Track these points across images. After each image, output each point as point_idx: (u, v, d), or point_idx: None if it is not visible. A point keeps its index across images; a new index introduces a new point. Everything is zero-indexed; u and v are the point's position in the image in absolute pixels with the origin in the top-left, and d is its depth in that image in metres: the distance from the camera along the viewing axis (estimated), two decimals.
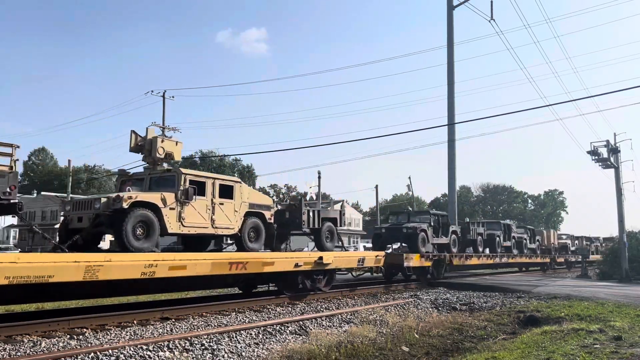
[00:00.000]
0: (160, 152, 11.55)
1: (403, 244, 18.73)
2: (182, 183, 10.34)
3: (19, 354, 6.97)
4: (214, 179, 11.31)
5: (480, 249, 22.42)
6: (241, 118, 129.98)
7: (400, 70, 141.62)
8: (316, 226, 14.08)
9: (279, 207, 14.00)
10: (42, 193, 64.35)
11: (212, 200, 11.02)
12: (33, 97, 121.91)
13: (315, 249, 14.86)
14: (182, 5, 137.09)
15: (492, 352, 7.87)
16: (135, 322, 9.38)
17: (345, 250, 17.18)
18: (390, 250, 18.36)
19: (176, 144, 12.25)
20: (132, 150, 11.66)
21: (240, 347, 7.96)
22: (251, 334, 8.68)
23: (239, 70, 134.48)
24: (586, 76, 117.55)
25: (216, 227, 11.10)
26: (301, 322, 9.84)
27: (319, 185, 44.80)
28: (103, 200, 9.46)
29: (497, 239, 23.81)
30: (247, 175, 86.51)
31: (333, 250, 14.58)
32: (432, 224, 19.14)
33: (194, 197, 10.42)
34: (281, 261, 12.16)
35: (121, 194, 9.43)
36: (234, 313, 10.77)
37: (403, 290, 16.56)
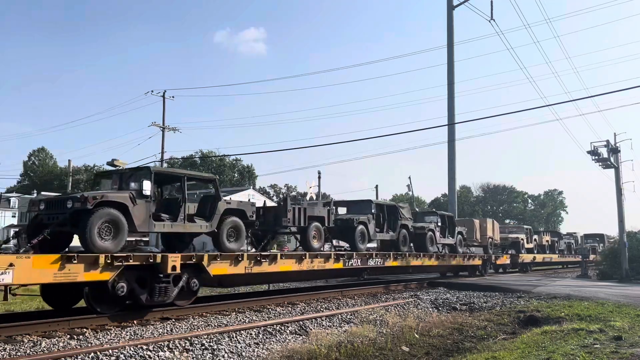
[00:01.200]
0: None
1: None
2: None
3: (19, 354, 6.97)
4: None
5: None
6: (241, 118, 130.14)
7: (400, 70, 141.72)
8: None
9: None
10: (42, 193, 64.39)
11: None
12: (33, 97, 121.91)
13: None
14: (180, 5, 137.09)
15: (492, 352, 7.87)
16: (135, 322, 9.38)
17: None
18: None
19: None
20: None
21: (240, 347, 7.96)
22: (251, 334, 8.68)
23: (237, 70, 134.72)
24: (586, 76, 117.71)
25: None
26: (301, 322, 9.84)
27: (319, 185, 44.82)
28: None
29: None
30: (247, 175, 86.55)
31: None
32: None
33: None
34: None
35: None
36: (234, 313, 10.77)
37: (403, 290, 16.56)
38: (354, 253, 14.92)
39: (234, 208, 11.52)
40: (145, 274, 9.52)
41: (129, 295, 9.32)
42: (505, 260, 26.14)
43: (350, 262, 14.65)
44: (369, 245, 16.39)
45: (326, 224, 14.08)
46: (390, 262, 16.30)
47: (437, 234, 19.03)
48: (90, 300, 9.25)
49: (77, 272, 8.42)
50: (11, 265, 7.64)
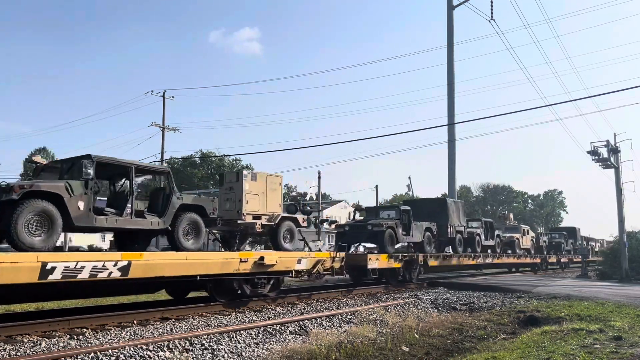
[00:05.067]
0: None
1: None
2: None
3: (19, 354, 6.97)
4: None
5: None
6: (241, 118, 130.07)
7: (400, 70, 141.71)
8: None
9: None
10: None
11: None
12: (33, 97, 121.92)
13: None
14: (172, 5, 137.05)
15: (492, 352, 7.87)
16: (135, 322, 9.38)
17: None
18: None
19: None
20: None
21: (240, 347, 7.96)
22: (251, 334, 8.68)
23: (233, 70, 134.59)
24: (586, 76, 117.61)
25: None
26: (301, 322, 9.84)
27: (319, 185, 44.80)
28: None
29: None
30: None
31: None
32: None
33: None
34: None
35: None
36: (234, 313, 10.77)
37: (403, 290, 16.56)
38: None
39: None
40: None
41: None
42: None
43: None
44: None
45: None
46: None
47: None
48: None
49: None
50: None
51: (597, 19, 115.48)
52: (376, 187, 54.46)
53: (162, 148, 39.66)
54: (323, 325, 9.90)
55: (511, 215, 36.52)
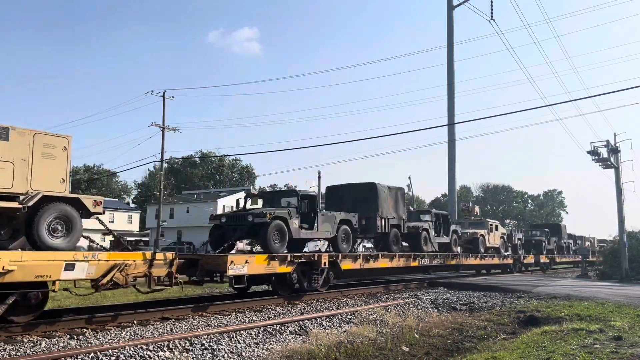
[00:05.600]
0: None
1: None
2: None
3: (19, 354, 6.97)
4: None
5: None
6: (241, 118, 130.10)
7: (400, 70, 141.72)
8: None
9: None
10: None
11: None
12: (33, 97, 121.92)
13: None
14: (170, 5, 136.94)
15: (492, 352, 7.87)
16: (135, 322, 9.38)
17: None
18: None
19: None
20: None
21: (240, 347, 7.96)
22: (251, 334, 8.68)
23: (233, 69, 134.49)
24: (586, 76, 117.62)
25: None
26: (301, 322, 9.84)
27: (319, 185, 44.76)
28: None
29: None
30: (247, 176, 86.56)
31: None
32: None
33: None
34: None
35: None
36: (234, 313, 10.77)
37: (403, 290, 16.56)
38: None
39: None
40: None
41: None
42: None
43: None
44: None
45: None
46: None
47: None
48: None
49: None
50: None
51: (597, 19, 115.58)
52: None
53: (162, 148, 39.70)
54: (323, 325, 9.90)
55: (476, 208, 29.25)
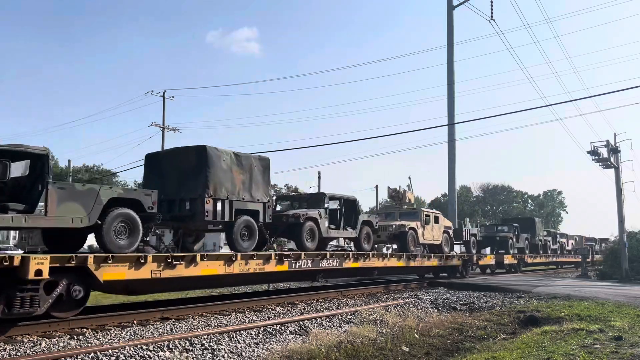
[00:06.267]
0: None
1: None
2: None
3: (19, 354, 6.97)
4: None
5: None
6: (241, 118, 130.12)
7: (400, 70, 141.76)
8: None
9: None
10: None
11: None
12: (32, 96, 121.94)
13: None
14: (173, 5, 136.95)
15: (492, 352, 7.87)
16: (135, 322, 9.38)
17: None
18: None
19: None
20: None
21: (240, 347, 7.96)
22: (251, 334, 8.68)
23: (233, 70, 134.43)
24: (586, 76, 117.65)
25: None
26: (301, 322, 9.84)
27: (319, 185, 44.83)
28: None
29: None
30: None
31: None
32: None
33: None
34: None
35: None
36: (234, 313, 10.77)
37: (403, 290, 16.57)
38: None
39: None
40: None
41: None
42: None
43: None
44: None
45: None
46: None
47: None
48: None
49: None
50: None
51: (597, 19, 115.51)
52: (376, 187, 54.45)
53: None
54: (323, 325, 9.90)
55: (410, 195, 21.37)
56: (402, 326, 10.22)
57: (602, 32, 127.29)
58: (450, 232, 21.14)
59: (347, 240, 18.01)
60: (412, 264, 17.41)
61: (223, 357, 7.44)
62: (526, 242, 28.39)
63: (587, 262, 28.53)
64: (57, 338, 7.87)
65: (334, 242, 22.00)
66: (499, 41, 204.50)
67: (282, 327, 9.33)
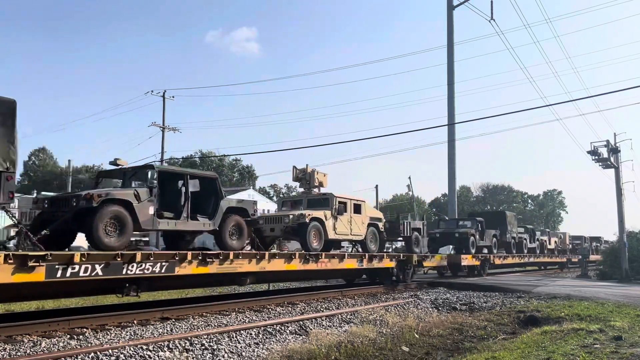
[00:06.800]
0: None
1: None
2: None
3: (19, 354, 6.97)
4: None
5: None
6: (241, 118, 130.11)
7: (400, 70, 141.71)
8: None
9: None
10: (42, 193, 64.20)
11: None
12: (32, 96, 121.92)
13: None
14: (171, 5, 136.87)
15: (492, 352, 7.87)
16: (135, 322, 9.38)
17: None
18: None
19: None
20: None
21: (240, 347, 7.96)
22: (251, 334, 8.68)
23: (232, 70, 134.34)
24: (586, 76, 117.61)
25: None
26: (301, 322, 9.84)
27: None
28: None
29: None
30: (247, 176, 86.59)
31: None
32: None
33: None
34: None
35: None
36: (234, 313, 10.77)
37: (403, 290, 16.57)
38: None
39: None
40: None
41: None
42: None
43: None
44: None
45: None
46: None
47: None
48: None
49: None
50: None
51: (597, 19, 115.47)
52: (376, 187, 54.47)
53: (162, 148, 39.66)
54: (323, 325, 9.90)
55: (321, 176, 15.97)
56: (402, 326, 10.22)
57: (602, 32, 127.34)
58: (381, 225, 16.50)
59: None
60: (311, 266, 13.05)
61: (223, 357, 7.44)
62: (494, 239, 24.11)
63: (587, 262, 28.42)
64: (57, 338, 7.87)
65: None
66: (499, 41, 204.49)
67: (282, 327, 9.33)
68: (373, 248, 15.97)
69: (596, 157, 25.08)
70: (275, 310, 11.33)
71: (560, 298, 14.11)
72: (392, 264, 16.53)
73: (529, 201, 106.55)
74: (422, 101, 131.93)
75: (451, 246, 22.70)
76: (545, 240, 31.24)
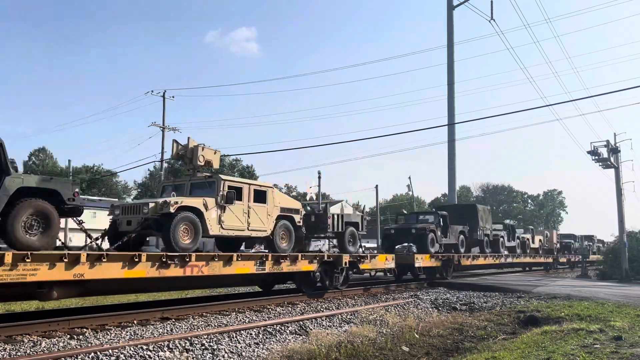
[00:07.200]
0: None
1: None
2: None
3: (19, 354, 6.97)
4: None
5: None
6: (241, 118, 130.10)
7: (400, 70, 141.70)
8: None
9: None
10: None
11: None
12: (32, 96, 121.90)
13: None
14: (171, 5, 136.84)
15: (492, 352, 7.87)
16: (135, 322, 9.38)
17: None
18: None
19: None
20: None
21: (240, 347, 7.96)
22: (251, 334, 8.68)
23: (232, 70, 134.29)
24: (586, 76, 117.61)
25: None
26: (301, 322, 9.84)
27: (319, 185, 44.81)
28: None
29: None
30: (248, 176, 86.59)
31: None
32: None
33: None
34: None
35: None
36: (234, 313, 10.77)
37: (403, 290, 16.57)
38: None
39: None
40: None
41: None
42: None
43: None
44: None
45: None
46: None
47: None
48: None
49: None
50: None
51: (597, 19, 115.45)
52: (376, 187, 54.42)
53: (162, 148, 39.61)
54: (323, 325, 9.90)
55: (208, 152, 12.38)
56: (402, 326, 10.22)
57: (602, 32, 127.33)
58: (298, 218, 13.26)
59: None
60: (173, 272, 9.85)
61: (223, 357, 7.44)
62: (460, 236, 20.77)
63: (587, 262, 28.38)
64: (57, 338, 7.87)
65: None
66: (499, 41, 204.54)
67: (282, 327, 9.33)
68: (284, 246, 12.68)
69: (596, 157, 25.09)
70: (275, 310, 11.33)
71: (560, 298, 14.11)
72: (313, 267, 13.19)
73: (529, 201, 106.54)
74: (422, 101, 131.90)
75: (414, 245, 18.57)
76: (527, 239, 28.08)
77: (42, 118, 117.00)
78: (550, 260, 31.00)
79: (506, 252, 24.62)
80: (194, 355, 7.33)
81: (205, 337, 8.18)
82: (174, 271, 9.83)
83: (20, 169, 9.89)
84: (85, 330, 8.48)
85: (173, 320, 9.73)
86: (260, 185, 12.76)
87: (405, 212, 24.38)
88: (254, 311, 11.16)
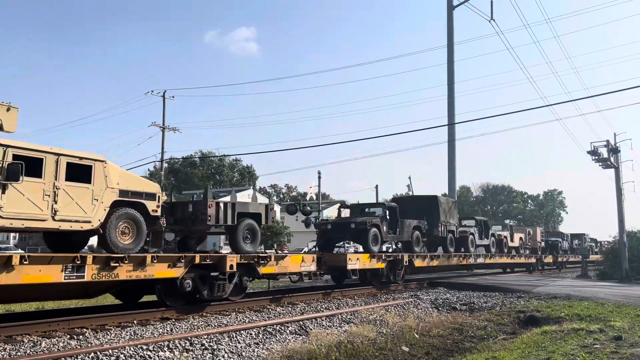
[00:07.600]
0: None
1: None
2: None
3: (19, 354, 6.97)
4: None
5: None
6: (241, 118, 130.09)
7: (400, 70, 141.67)
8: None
9: None
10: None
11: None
12: (32, 96, 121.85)
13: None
14: (170, 5, 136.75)
15: (492, 352, 7.87)
16: (135, 322, 9.38)
17: None
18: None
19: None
20: None
21: (240, 347, 7.96)
22: (251, 334, 8.68)
23: (231, 69, 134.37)
24: (586, 76, 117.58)
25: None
26: (301, 322, 9.84)
27: (319, 185, 44.79)
28: None
29: None
30: (248, 176, 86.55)
31: None
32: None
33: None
34: None
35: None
36: (234, 313, 10.77)
37: (403, 290, 16.56)
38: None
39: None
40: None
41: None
42: None
43: None
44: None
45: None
46: None
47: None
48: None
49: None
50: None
51: (597, 19, 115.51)
52: (376, 187, 54.40)
53: (162, 148, 39.66)
54: (323, 325, 9.90)
55: None
56: (402, 326, 10.22)
57: (602, 32, 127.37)
58: (152, 206, 9.63)
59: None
60: None
61: (223, 357, 7.44)
62: (415, 232, 17.42)
63: (586, 262, 28.31)
64: (57, 338, 7.87)
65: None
66: (499, 41, 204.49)
67: (282, 327, 9.33)
68: (126, 244, 9.12)
69: (596, 157, 25.08)
70: (275, 310, 11.32)
71: (560, 298, 14.10)
72: (177, 273, 9.82)
73: (529, 201, 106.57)
74: (422, 101, 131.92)
75: (354, 244, 16.54)
76: (504, 237, 24.40)
77: (42, 118, 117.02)
78: (532, 260, 27.79)
79: (478, 252, 21.53)
80: (194, 355, 7.33)
81: (205, 337, 8.17)
82: None
83: None
84: (85, 330, 8.48)
85: (173, 320, 9.73)
86: (81, 158, 8.69)
87: (348, 204, 21.22)
88: (254, 311, 11.15)
